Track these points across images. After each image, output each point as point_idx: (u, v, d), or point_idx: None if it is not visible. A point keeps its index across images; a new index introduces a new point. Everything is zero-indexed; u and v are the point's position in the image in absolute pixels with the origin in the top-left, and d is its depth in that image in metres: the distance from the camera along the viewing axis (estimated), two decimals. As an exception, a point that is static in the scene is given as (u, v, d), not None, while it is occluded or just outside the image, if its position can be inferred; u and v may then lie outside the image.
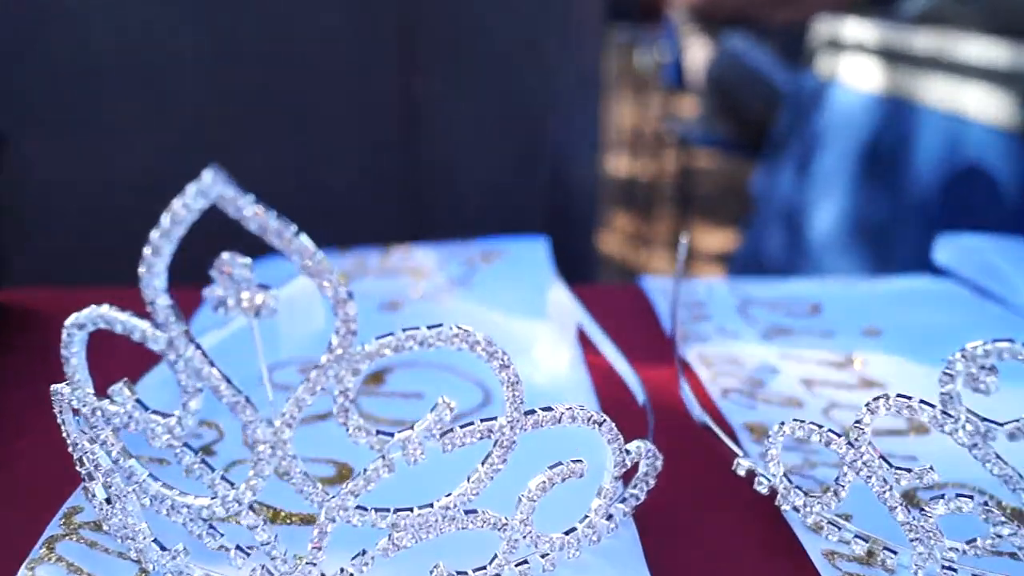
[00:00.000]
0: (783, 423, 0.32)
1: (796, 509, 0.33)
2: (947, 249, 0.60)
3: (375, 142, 0.74)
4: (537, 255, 0.57)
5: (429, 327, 0.25)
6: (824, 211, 1.41)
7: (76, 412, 0.29)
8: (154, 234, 0.23)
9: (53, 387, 0.29)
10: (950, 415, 0.28)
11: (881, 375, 0.46)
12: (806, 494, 0.32)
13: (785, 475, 0.33)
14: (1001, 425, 0.27)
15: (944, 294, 0.56)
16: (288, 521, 0.33)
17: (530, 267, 0.56)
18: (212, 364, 0.25)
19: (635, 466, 0.32)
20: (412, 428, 0.26)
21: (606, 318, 0.49)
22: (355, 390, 0.25)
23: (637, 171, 2.34)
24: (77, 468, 0.30)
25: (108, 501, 0.31)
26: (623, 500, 0.32)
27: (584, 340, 0.48)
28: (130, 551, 0.31)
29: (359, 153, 0.75)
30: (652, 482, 0.33)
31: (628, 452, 0.31)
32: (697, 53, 2.38)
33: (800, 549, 0.32)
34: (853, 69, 1.39)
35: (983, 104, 1.26)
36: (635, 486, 0.33)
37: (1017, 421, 0.27)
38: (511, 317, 0.50)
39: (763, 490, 0.33)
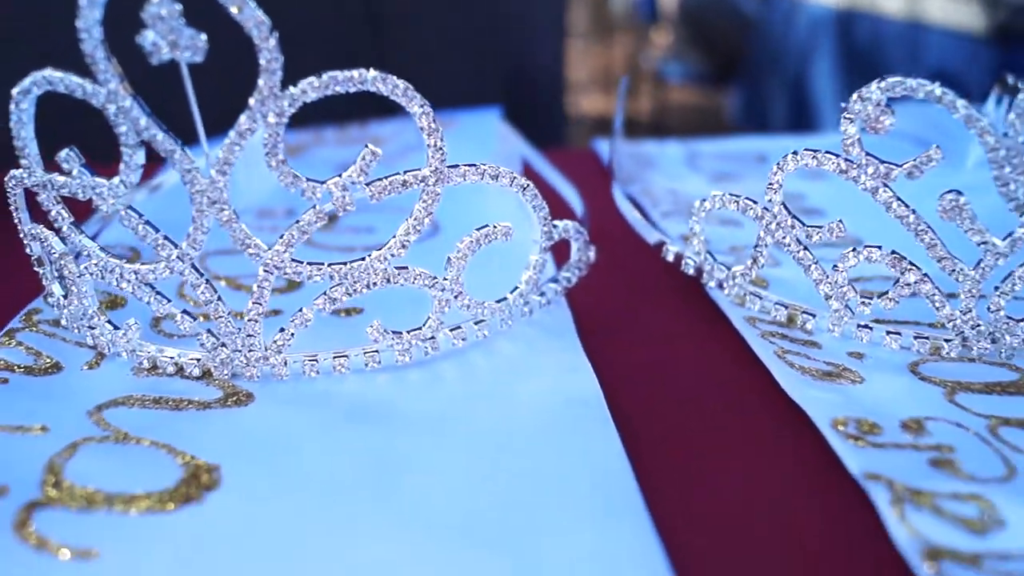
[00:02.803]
0: (703, 199, 0.34)
1: (720, 285, 0.35)
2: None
3: (340, 51, 0.77)
4: (490, 121, 0.59)
5: (356, 72, 0.27)
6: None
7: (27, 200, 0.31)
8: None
9: (9, 173, 0.30)
10: (852, 161, 0.30)
11: (822, 203, 0.48)
12: (728, 268, 0.34)
13: (708, 252, 0.35)
14: (899, 165, 0.29)
15: (888, 145, 0.59)
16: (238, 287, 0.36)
17: (483, 130, 0.58)
18: (150, 115, 0.27)
19: (569, 254, 0.34)
20: (340, 176, 0.28)
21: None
22: (282, 132, 0.27)
23: (610, 109, 2.36)
24: (28, 252, 0.32)
25: (65, 296, 0.33)
26: (555, 281, 0.34)
27: (531, 176, 0.49)
28: (87, 338, 0.32)
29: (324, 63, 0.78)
30: (584, 269, 0.35)
31: (556, 226, 0.33)
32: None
33: (727, 323, 0.34)
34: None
35: (943, 11, 1.29)
36: (567, 270, 0.35)
37: (913, 160, 0.29)
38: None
39: (690, 271, 0.35)
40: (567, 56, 1.04)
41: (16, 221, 0.33)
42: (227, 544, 0.23)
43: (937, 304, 0.32)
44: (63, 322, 0.34)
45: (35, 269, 0.34)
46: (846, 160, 0.30)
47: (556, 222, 0.33)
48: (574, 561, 0.22)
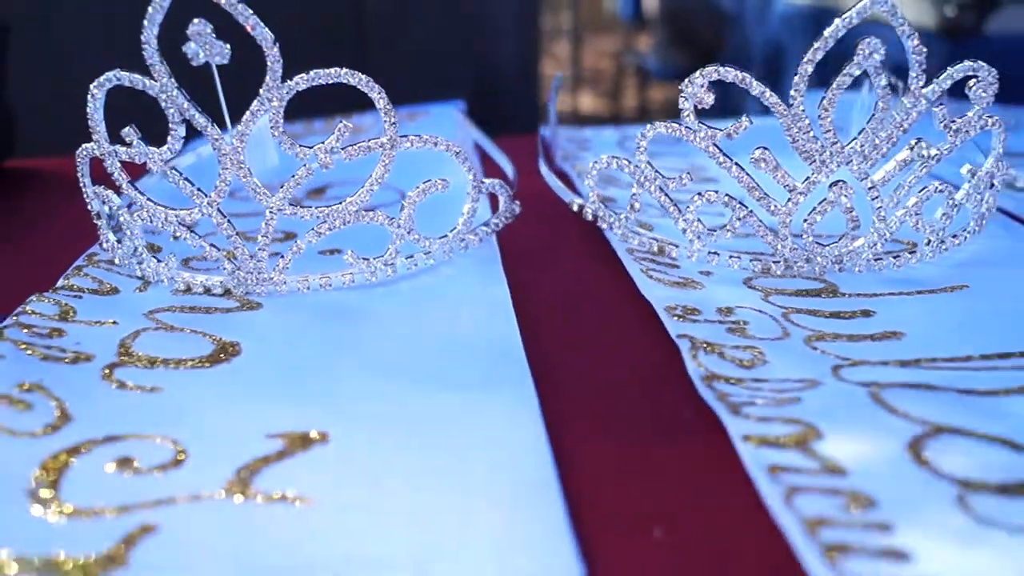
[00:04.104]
0: (595, 160, 0.47)
1: (610, 226, 0.48)
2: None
3: (329, 46, 0.91)
4: (452, 112, 0.73)
5: (333, 69, 0.40)
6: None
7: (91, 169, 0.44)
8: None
9: (81, 147, 0.44)
10: (690, 128, 0.43)
11: (718, 173, 0.61)
12: (616, 214, 0.48)
13: (602, 202, 0.48)
14: (721, 130, 0.43)
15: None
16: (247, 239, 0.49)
17: (447, 119, 0.72)
18: (190, 101, 0.40)
19: (498, 205, 0.48)
20: (323, 143, 0.42)
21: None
22: (282, 112, 0.40)
23: (598, 107, 2.51)
24: (89, 208, 0.46)
25: (119, 241, 0.46)
26: (486, 225, 0.48)
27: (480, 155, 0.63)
28: (135, 271, 0.46)
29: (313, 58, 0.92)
30: (509, 217, 0.48)
31: (483, 183, 0.46)
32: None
33: (615, 254, 0.48)
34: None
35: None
36: (496, 218, 0.48)
37: (731, 125, 0.43)
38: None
39: (588, 216, 0.49)
40: (538, 55, 1.17)
41: (81, 185, 0.46)
42: (249, 387, 0.37)
43: (762, 234, 0.45)
44: (116, 261, 0.47)
45: (95, 222, 0.47)
46: (686, 127, 0.44)
47: (484, 179, 0.46)
48: (470, 388, 0.36)
